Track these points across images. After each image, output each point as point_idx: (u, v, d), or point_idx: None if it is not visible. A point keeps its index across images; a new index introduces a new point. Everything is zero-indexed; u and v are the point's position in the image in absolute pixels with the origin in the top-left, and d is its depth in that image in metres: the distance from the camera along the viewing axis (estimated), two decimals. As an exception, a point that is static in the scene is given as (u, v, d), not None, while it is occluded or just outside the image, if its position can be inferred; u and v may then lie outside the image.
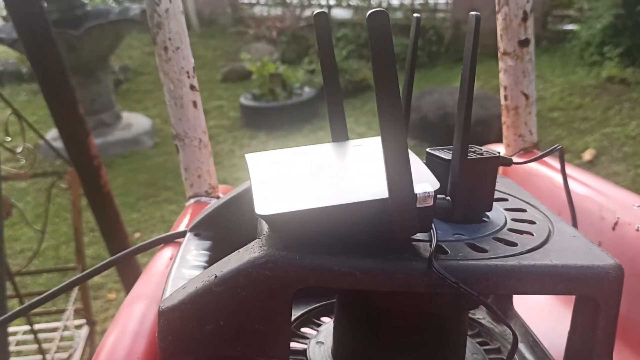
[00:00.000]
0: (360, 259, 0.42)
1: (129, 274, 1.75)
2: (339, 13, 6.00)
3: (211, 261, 0.55)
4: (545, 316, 0.66)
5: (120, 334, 0.52)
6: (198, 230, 0.61)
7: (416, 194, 0.42)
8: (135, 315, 0.53)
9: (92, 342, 2.14)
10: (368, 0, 5.88)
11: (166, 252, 0.64)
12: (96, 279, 2.91)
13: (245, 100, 4.58)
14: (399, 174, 0.40)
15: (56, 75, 1.42)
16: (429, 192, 0.42)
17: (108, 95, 4.48)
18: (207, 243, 0.58)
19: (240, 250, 0.44)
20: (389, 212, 0.42)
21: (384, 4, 5.75)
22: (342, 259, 0.42)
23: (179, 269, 0.53)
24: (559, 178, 0.68)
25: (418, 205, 0.42)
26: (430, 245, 0.44)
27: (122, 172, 3.92)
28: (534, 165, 0.76)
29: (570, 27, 5.14)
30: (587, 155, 3.53)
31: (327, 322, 0.62)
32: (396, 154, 0.40)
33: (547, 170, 0.74)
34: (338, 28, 5.70)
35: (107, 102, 4.45)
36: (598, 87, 4.31)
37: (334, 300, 0.63)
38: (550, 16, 5.36)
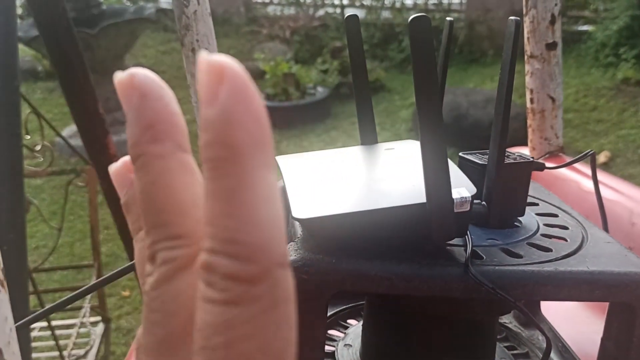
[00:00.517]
0: (396, 264, 0.42)
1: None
2: (351, 13, 6.00)
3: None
4: (573, 321, 0.66)
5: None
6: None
7: (453, 199, 0.42)
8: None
9: (107, 339, 2.15)
10: (382, 0, 5.87)
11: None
12: (111, 277, 2.93)
13: (258, 99, 4.59)
14: (437, 178, 0.40)
15: (77, 73, 1.43)
16: (466, 197, 0.42)
17: (122, 94, 4.50)
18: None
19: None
20: (426, 217, 0.42)
21: (397, 4, 5.74)
22: (377, 263, 0.42)
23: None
24: (587, 182, 0.68)
25: (455, 210, 0.42)
26: (466, 251, 0.43)
27: (135, 172, 3.94)
28: (563, 170, 0.76)
29: (586, 28, 5.11)
30: (602, 157, 3.50)
31: (355, 325, 0.62)
32: (435, 159, 0.40)
33: (575, 175, 0.74)
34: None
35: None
36: (613, 88, 4.28)
37: (361, 302, 0.64)
38: (565, 17, 5.33)
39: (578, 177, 0.73)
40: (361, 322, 0.59)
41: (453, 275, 0.42)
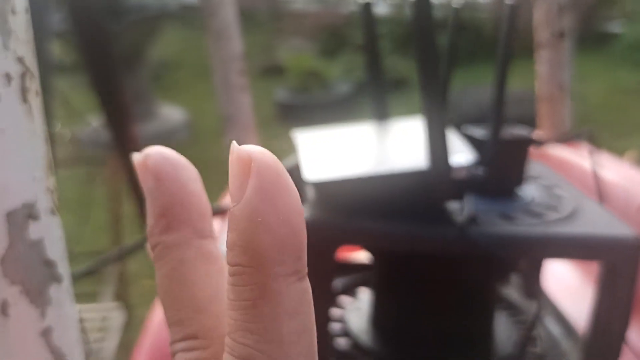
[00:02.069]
0: (398, 223, 0.46)
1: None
2: (377, 9, 6.01)
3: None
4: (574, 296, 0.69)
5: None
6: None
7: (452, 165, 0.46)
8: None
9: (128, 326, 2.21)
10: (406, -3, 5.89)
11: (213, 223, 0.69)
12: (132, 266, 3.01)
13: (281, 95, 4.64)
14: (437, 145, 0.44)
15: (106, 66, 1.49)
16: (463, 164, 0.46)
17: (146, 88, 4.58)
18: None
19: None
20: (426, 181, 0.46)
21: None
22: (381, 222, 0.47)
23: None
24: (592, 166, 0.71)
25: (453, 175, 0.46)
26: (464, 214, 0.48)
27: (158, 164, 4.01)
28: (568, 152, 0.79)
29: (615, 26, 5.07)
30: (629, 157, 3.48)
31: (364, 292, 0.66)
32: (435, 126, 0.44)
33: (580, 158, 0.77)
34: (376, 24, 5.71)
35: (144, 94, 4.56)
36: (643, 88, 4.25)
37: (371, 272, 0.68)
38: (594, 15, 5.29)
39: (583, 160, 0.77)
40: (370, 290, 0.63)
41: (450, 234, 0.46)
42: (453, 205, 0.49)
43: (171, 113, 4.69)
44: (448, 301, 0.54)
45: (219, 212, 0.72)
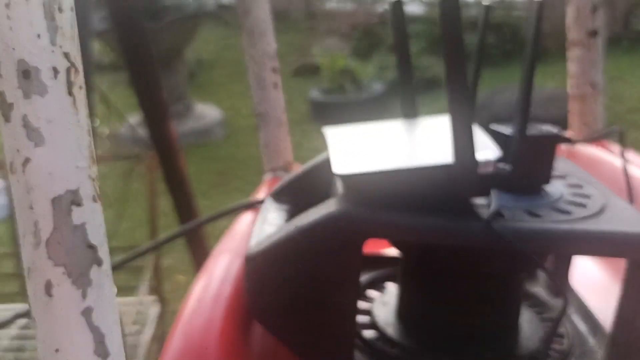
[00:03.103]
0: (424, 217, 0.47)
1: (197, 246, 1.86)
2: (411, 9, 6.00)
3: (289, 221, 0.62)
4: (602, 293, 0.69)
5: (208, 280, 0.59)
6: (278, 195, 0.67)
7: (478, 160, 0.46)
8: (221, 265, 0.61)
9: (162, 319, 2.26)
10: (440, -4, 5.84)
11: (247, 216, 0.71)
12: (167, 261, 3.07)
13: (314, 94, 4.67)
14: (463, 140, 0.45)
15: (145, 64, 1.53)
16: (490, 159, 0.47)
17: (183, 87, 4.66)
18: (286, 206, 0.65)
19: (318, 206, 0.51)
20: (453, 176, 0.47)
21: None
22: (408, 215, 0.48)
23: (261, 226, 0.59)
24: (620, 164, 0.71)
25: (479, 171, 0.47)
26: (490, 209, 0.48)
27: (194, 161, 4.08)
28: (598, 151, 0.79)
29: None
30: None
31: (392, 287, 0.67)
32: (461, 121, 0.45)
33: (610, 157, 0.77)
34: (409, 24, 5.69)
35: (181, 93, 4.64)
36: (684, 91, 4.14)
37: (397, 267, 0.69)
38: (632, 15, 5.17)
39: (613, 158, 0.76)
40: (397, 283, 0.64)
41: (476, 228, 0.47)
42: (479, 201, 0.50)
43: (207, 111, 4.76)
44: (474, 295, 0.55)
45: (251, 206, 0.74)
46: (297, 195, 0.67)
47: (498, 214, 0.49)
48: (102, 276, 0.32)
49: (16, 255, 2.01)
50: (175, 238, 0.74)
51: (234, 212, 0.74)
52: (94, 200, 0.32)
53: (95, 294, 0.32)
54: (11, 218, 1.97)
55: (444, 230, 0.47)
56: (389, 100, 4.61)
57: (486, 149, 0.48)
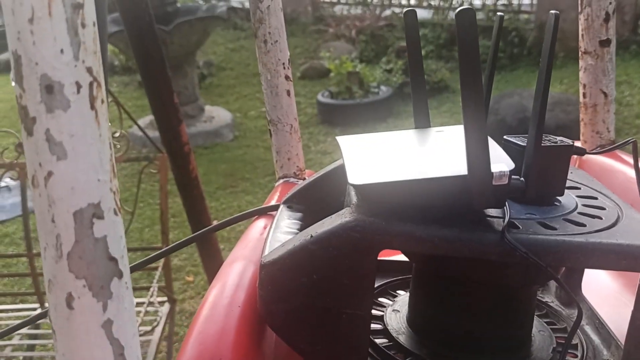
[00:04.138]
0: (439, 228, 0.48)
1: (208, 251, 1.86)
2: (419, 13, 5.99)
3: (303, 229, 0.62)
4: (613, 303, 0.69)
5: (222, 287, 0.59)
6: (291, 202, 0.68)
7: (492, 172, 0.47)
8: (235, 272, 0.61)
9: (172, 319, 2.27)
10: (449, 0, 5.84)
11: (260, 222, 0.71)
12: (176, 262, 3.08)
13: (322, 97, 4.68)
14: (477, 152, 0.45)
15: (157, 66, 1.54)
16: (504, 172, 0.47)
17: (193, 89, 4.68)
18: (299, 214, 0.65)
19: (333, 215, 0.51)
20: (467, 188, 0.47)
21: (466, 4, 5.70)
22: (422, 227, 0.48)
23: (275, 233, 0.60)
24: (633, 173, 0.71)
25: (494, 183, 0.47)
26: (504, 220, 0.48)
27: (203, 163, 4.10)
28: (609, 160, 0.78)
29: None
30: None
31: (403, 295, 0.67)
32: (476, 134, 0.45)
33: (622, 166, 0.77)
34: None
35: (191, 95, 4.66)
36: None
37: (409, 276, 0.69)
38: (640, 22, 5.15)
39: (625, 168, 0.76)
40: (408, 293, 0.65)
41: (490, 240, 0.47)
42: (493, 212, 0.50)
43: (216, 113, 4.78)
44: (486, 306, 0.55)
45: (264, 212, 0.74)
46: (310, 202, 0.67)
47: (512, 226, 0.49)
48: (122, 288, 0.32)
49: (28, 255, 2.03)
50: (191, 242, 0.74)
51: (247, 217, 0.74)
52: (115, 213, 0.32)
53: (115, 306, 0.32)
54: (22, 217, 1.99)
55: (459, 241, 0.47)
56: (395, 103, 4.61)
57: (500, 161, 0.48)
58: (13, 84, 0.32)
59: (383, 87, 4.69)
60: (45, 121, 0.30)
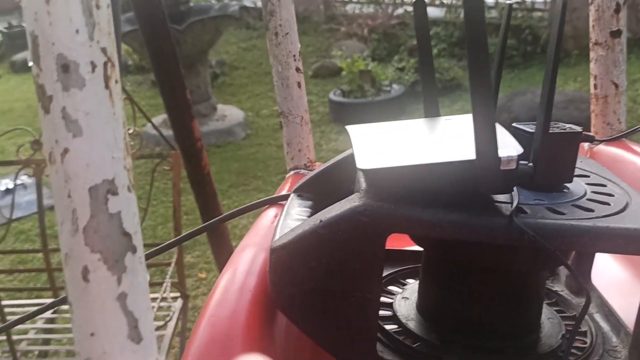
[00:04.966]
0: (447, 212, 0.48)
1: (219, 243, 1.88)
2: (431, 11, 5.98)
3: (312, 216, 0.63)
4: (623, 292, 0.69)
5: (233, 273, 0.60)
6: (301, 191, 0.68)
7: (500, 157, 0.47)
8: (246, 259, 0.62)
9: (184, 315, 2.29)
10: (462, -2, 5.82)
11: (271, 211, 0.72)
12: (188, 259, 3.10)
13: (334, 96, 4.68)
14: (485, 137, 0.46)
15: (170, 65, 1.55)
16: (512, 157, 0.47)
17: (205, 88, 4.71)
18: (309, 202, 0.66)
19: (342, 200, 0.52)
20: (475, 173, 0.47)
21: (479, 3, 5.67)
22: (430, 211, 0.48)
23: (285, 220, 0.60)
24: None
25: (502, 168, 0.47)
26: (512, 205, 0.49)
27: (215, 161, 4.12)
28: (620, 150, 0.78)
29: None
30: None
31: (412, 283, 0.68)
32: (484, 118, 0.45)
33: (632, 156, 0.77)
34: (430, 26, 5.68)
35: (204, 94, 4.68)
36: None
37: (418, 265, 0.69)
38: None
39: (636, 158, 0.76)
40: (417, 281, 0.65)
41: (498, 224, 0.47)
42: (501, 197, 0.51)
43: (229, 112, 4.80)
44: (495, 292, 0.56)
45: (274, 202, 0.75)
46: (319, 191, 0.68)
47: (520, 211, 0.49)
48: (136, 263, 0.33)
49: (43, 250, 2.05)
50: (202, 232, 0.75)
51: (258, 207, 0.75)
52: (129, 190, 0.33)
53: (129, 280, 0.33)
54: (38, 214, 2.01)
55: (467, 225, 0.47)
56: (407, 102, 4.60)
57: (508, 147, 0.48)
58: (30, 64, 0.33)
59: (395, 86, 4.68)
60: (62, 99, 0.31)
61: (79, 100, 0.31)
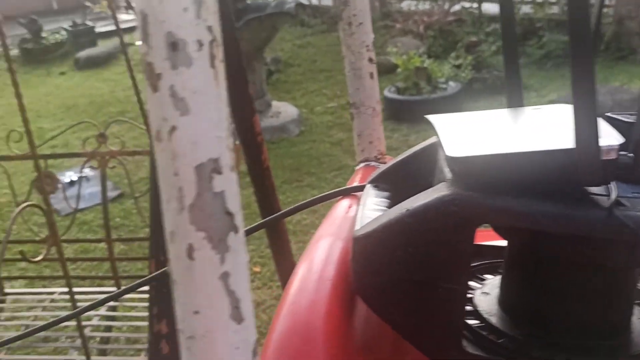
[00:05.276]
0: (540, 203, 0.46)
1: (276, 237, 1.88)
2: (489, 8, 5.87)
3: (391, 207, 0.61)
4: None
5: (311, 262, 0.60)
6: (377, 182, 0.67)
7: (601, 147, 0.45)
8: (323, 248, 0.61)
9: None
10: (522, -6, 5.69)
11: (345, 202, 0.71)
12: (243, 253, 3.13)
13: (389, 93, 4.65)
14: (586, 125, 0.44)
15: (234, 59, 1.57)
16: (613, 146, 0.45)
17: (260, 85, 4.75)
18: (386, 193, 0.65)
19: (428, 190, 0.50)
20: (572, 162, 0.45)
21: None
22: (523, 201, 0.47)
23: (364, 210, 0.60)
24: None
25: (602, 157, 0.45)
26: (610, 197, 0.47)
27: (269, 157, 4.14)
28: None
29: None
30: None
31: (491, 278, 0.66)
32: (585, 105, 0.43)
33: None
34: (488, 23, 5.57)
35: (259, 90, 4.73)
36: None
37: (495, 260, 0.67)
38: None
39: None
40: (497, 277, 0.63)
41: (597, 216, 0.45)
42: (597, 189, 0.48)
43: (283, 108, 4.83)
44: (586, 288, 0.53)
45: (347, 193, 0.74)
46: (397, 182, 0.67)
47: (619, 203, 0.47)
48: (238, 242, 0.33)
49: (107, 240, 2.11)
50: (263, 227, 0.75)
51: (332, 198, 0.74)
52: (232, 169, 0.33)
53: (232, 259, 0.33)
54: (102, 205, 2.07)
55: (563, 217, 0.45)
56: (464, 100, 4.52)
57: (609, 135, 0.46)
58: (137, 43, 0.33)
59: (452, 83, 4.61)
60: (170, 77, 0.31)
61: (187, 79, 0.31)
